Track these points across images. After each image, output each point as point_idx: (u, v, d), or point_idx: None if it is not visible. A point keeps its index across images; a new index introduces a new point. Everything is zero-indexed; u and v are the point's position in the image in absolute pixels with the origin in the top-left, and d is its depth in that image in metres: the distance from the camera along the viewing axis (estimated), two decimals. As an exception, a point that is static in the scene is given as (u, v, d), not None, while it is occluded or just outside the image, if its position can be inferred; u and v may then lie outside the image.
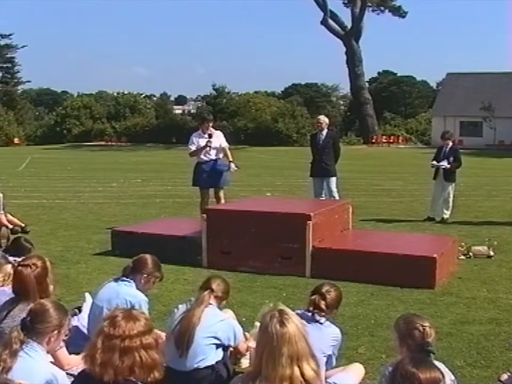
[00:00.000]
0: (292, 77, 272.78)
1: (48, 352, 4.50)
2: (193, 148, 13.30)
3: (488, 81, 68.03)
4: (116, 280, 6.29)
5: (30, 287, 5.33)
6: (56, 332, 4.47)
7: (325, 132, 14.72)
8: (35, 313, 4.46)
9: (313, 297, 5.49)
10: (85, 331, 6.33)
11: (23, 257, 6.07)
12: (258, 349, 3.97)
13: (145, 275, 6.18)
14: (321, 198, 14.39)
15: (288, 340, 3.82)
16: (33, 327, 4.36)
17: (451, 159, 15.30)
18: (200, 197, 13.50)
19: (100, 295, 6.20)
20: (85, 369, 3.92)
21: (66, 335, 4.67)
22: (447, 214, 15.30)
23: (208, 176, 13.25)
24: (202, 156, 13.28)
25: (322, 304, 5.41)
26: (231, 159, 13.42)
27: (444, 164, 15.26)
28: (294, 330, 3.86)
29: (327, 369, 5.32)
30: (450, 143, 15.72)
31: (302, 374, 3.80)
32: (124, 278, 6.22)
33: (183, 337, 5.30)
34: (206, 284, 5.73)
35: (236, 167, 13.52)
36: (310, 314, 5.38)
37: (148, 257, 6.33)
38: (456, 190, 16.01)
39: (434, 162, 15.53)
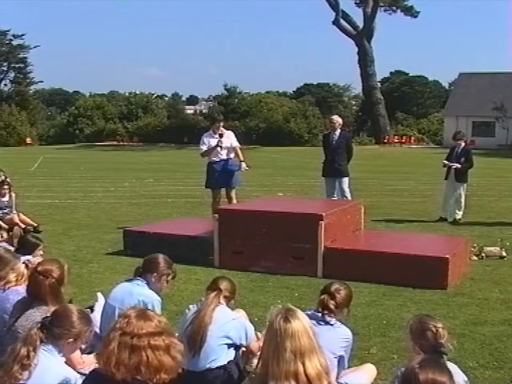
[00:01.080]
0: (303, 77, 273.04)
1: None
2: (204, 148, 13.34)
3: (500, 81, 67.77)
4: (129, 280, 6.30)
5: (46, 295, 5.30)
6: (72, 339, 4.48)
7: (338, 132, 14.69)
8: (57, 316, 4.45)
9: (322, 296, 5.44)
10: (97, 330, 6.33)
11: (42, 261, 6.03)
12: (265, 347, 4.02)
13: (156, 274, 6.17)
14: (333, 198, 14.38)
15: (291, 334, 3.86)
16: (51, 329, 4.36)
17: (463, 159, 15.28)
18: (212, 196, 13.52)
19: (113, 295, 6.21)
20: (96, 368, 3.93)
21: (86, 343, 4.67)
22: (459, 214, 15.27)
23: (219, 176, 13.28)
24: (213, 157, 13.32)
25: (331, 304, 5.35)
26: (242, 159, 13.44)
27: (455, 164, 15.26)
28: (297, 326, 3.90)
29: (339, 371, 5.31)
30: (463, 144, 15.69)
31: (305, 371, 3.82)
32: (137, 278, 6.22)
33: (195, 337, 5.29)
34: (214, 285, 5.72)
35: (247, 166, 13.55)
36: (319, 314, 5.36)
37: (159, 256, 6.31)
38: (469, 190, 15.97)
39: (446, 161, 15.52)
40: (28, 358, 4.12)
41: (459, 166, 15.17)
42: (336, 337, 5.28)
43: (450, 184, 15.45)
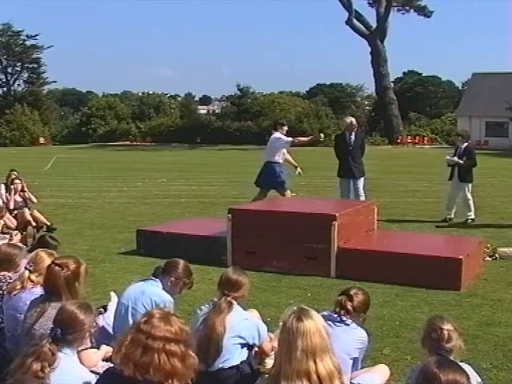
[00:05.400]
0: (316, 77, 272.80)
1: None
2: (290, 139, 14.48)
3: (514, 81, 67.37)
4: (144, 279, 6.30)
5: (60, 288, 5.30)
6: (87, 334, 4.48)
7: (354, 133, 14.72)
8: (66, 324, 4.39)
9: (340, 297, 5.48)
10: (110, 330, 6.35)
11: (61, 256, 6.03)
12: (279, 347, 4.06)
13: (173, 278, 6.13)
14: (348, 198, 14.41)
15: (302, 333, 3.89)
16: (64, 338, 4.32)
17: (464, 158, 15.28)
18: (261, 195, 14.23)
19: (126, 294, 6.21)
20: (110, 367, 3.94)
21: (94, 328, 4.65)
22: (471, 215, 15.20)
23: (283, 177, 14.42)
24: (279, 158, 14.28)
25: (349, 305, 5.38)
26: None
27: (455, 159, 15.30)
28: (310, 325, 3.93)
29: (351, 371, 5.30)
30: (465, 143, 15.70)
31: (316, 370, 3.83)
32: (152, 278, 6.22)
33: (209, 346, 5.24)
34: (225, 286, 5.63)
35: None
36: (336, 315, 5.36)
37: (181, 262, 6.28)
38: (482, 191, 15.90)
39: (448, 157, 15.60)
40: (43, 372, 4.07)
41: (461, 162, 15.17)
42: (351, 338, 5.28)
43: (455, 184, 15.45)
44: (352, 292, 5.49)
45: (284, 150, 14.65)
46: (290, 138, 14.53)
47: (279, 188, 14.48)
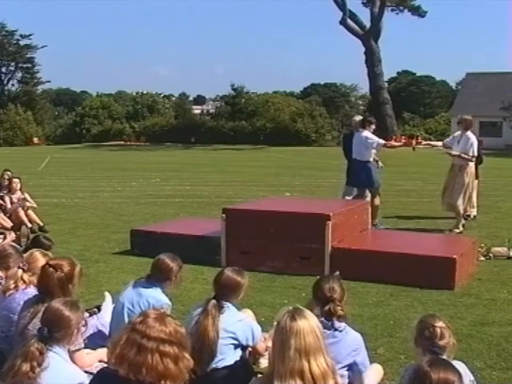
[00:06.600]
0: (310, 77, 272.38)
1: (68, 350, 4.47)
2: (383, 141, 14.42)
3: (508, 81, 67.42)
4: (142, 282, 6.21)
5: (53, 289, 5.27)
6: (76, 331, 4.45)
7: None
8: (52, 322, 4.34)
9: (326, 308, 5.11)
10: (104, 330, 6.33)
11: (56, 257, 6.02)
12: (273, 346, 4.05)
13: (169, 280, 6.09)
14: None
15: (296, 332, 3.87)
16: (51, 337, 4.27)
17: None
18: (375, 195, 14.19)
19: (124, 295, 6.15)
20: (104, 368, 3.93)
21: (84, 325, 4.62)
22: (473, 211, 15.22)
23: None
24: (368, 157, 14.02)
25: (340, 310, 5.11)
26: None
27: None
28: (303, 324, 3.90)
29: (356, 377, 5.17)
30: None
31: (310, 369, 3.82)
32: (150, 281, 6.14)
33: (200, 352, 5.16)
34: (217, 288, 5.59)
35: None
36: (327, 322, 5.04)
37: (166, 259, 6.16)
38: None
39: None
40: (33, 372, 4.04)
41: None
42: (344, 346, 5.09)
43: None
44: (329, 294, 5.18)
45: (374, 150, 14.24)
46: (382, 141, 14.28)
47: (370, 187, 14.17)
